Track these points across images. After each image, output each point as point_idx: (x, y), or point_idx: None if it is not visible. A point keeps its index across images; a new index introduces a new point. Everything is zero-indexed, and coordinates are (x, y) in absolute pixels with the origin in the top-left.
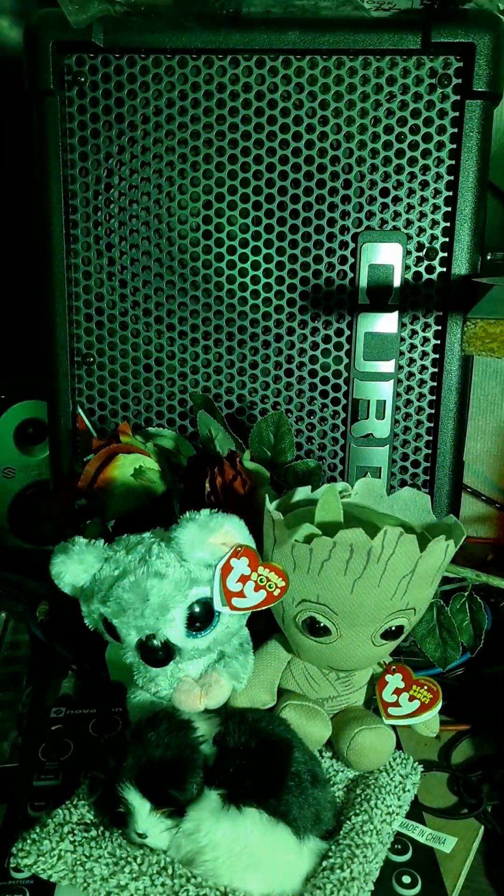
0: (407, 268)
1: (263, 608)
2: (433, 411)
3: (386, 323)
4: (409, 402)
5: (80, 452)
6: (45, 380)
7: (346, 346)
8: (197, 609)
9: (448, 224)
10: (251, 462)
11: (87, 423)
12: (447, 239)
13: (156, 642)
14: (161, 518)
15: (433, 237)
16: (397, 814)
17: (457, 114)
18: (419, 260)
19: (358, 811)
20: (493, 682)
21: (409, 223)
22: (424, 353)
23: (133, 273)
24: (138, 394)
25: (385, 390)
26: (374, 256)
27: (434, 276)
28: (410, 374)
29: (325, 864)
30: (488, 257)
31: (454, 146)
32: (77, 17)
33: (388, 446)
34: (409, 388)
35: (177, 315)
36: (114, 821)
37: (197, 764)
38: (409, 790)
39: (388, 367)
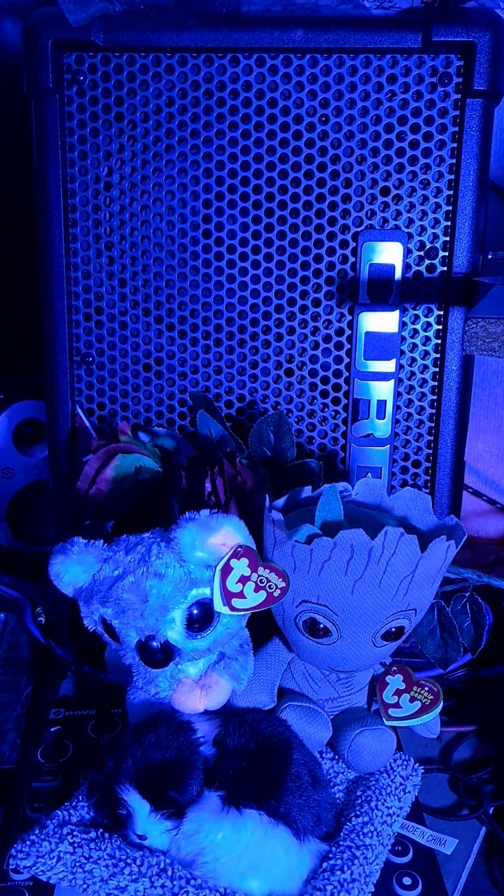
0: (408, 267)
1: (263, 609)
2: (434, 411)
3: (386, 322)
4: (409, 401)
5: (80, 452)
6: (44, 379)
7: (347, 346)
8: (196, 610)
9: (449, 223)
10: (251, 462)
11: (87, 422)
12: (448, 238)
13: (155, 643)
14: (161, 518)
15: (434, 236)
16: (398, 815)
17: (458, 112)
18: (420, 259)
19: (358, 812)
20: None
21: (409, 222)
22: (425, 353)
23: (133, 272)
24: (138, 394)
25: (386, 390)
26: (374, 255)
27: (435, 275)
28: (411, 374)
29: (325, 865)
30: (489, 256)
31: (455, 145)
32: (76, 16)
33: (388, 446)
34: (410, 388)
35: (177, 315)
36: (113, 822)
37: (196, 765)
38: (409, 791)
39: (388, 366)
